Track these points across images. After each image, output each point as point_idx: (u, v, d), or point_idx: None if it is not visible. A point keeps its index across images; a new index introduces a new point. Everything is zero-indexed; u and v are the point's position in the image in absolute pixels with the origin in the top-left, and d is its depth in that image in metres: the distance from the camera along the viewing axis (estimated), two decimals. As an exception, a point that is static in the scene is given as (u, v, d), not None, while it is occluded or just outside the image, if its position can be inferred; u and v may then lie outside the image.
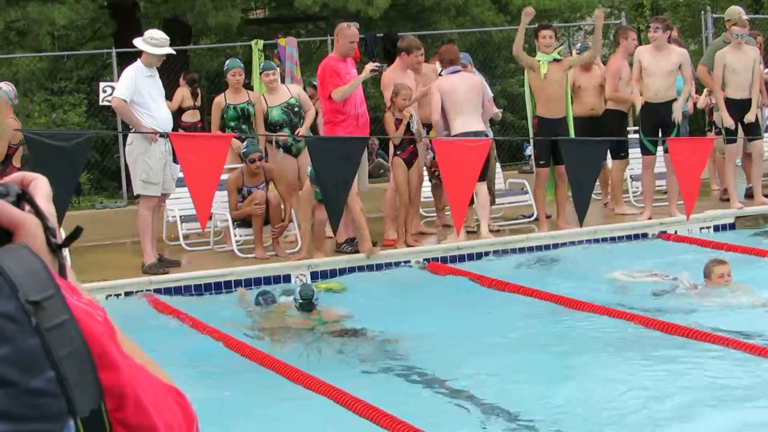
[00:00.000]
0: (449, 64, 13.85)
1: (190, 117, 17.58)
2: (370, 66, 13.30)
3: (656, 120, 14.28)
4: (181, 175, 12.87)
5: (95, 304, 1.66)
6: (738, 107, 14.75)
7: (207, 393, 8.26)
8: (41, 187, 1.75)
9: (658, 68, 14.24)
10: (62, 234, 1.74)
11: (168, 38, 12.96)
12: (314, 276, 12.80)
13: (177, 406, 1.77)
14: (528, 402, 8.06)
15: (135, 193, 13.05)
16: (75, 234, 1.74)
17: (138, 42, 12.79)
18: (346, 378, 8.78)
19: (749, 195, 15.42)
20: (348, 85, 13.04)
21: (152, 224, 12.90)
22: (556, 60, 14.10)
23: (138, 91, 12.50)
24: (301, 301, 10.69)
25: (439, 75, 13.95)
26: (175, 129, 16.74)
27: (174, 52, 13.40)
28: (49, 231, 1.67)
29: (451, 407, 8.14)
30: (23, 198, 1.69)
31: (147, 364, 1.75)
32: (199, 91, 18.00)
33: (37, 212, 1.68)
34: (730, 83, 14.76)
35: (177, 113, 17.77)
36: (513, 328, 10.38)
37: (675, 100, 14.29)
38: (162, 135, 12.54)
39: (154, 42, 12.70)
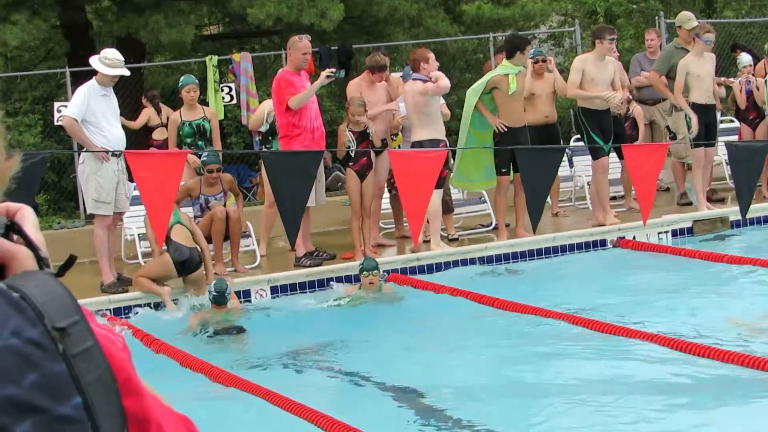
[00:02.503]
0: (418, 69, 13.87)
1: (160, 134, 17.51)
2: (326, 72, 13.31)
3: (602, 127, 14.42)
4: (136, 193, 12.83)
5: (114, 330, 1.65)
6: (704, 112, 14.88)
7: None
8: (28, 217, 1.73)
9: (602, 77, 14.43)
10: None
11: (122, 59, 12.90)
12: (274, 290, 12.82)
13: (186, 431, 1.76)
14: (483, 407, 8.16)
15: (87, 213, 12.99)
16: (69, 262, 1.75)
17: (93, 61, 12.73)
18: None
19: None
20: (305, 92, 13.05)
21: (109, 243, 12.85)
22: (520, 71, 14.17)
23: (90, 110, 12.43)
24: (214, 293, 11.42)
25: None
26: (146, 148, 16.81)
27: (128, 73, 13.33)
28: (42, 261, 1.65)
29: (398, 409, 8.26)
30: (11, 229, 1.67)
31: (156, 394, 1.75)
32: (161, 106, 17.95)
33: (28, 243, 1.65)
34: (695, 89, 14.87)
35: (145, 133, 17.74)
36: (471, 338, 10.47)
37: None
38: (114, 154, 12.50)
39: (107, 62, 12.64)
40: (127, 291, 12.57)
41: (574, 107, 16.52)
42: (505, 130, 13.89)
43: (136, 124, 17.54)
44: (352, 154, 13.45)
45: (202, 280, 12.25)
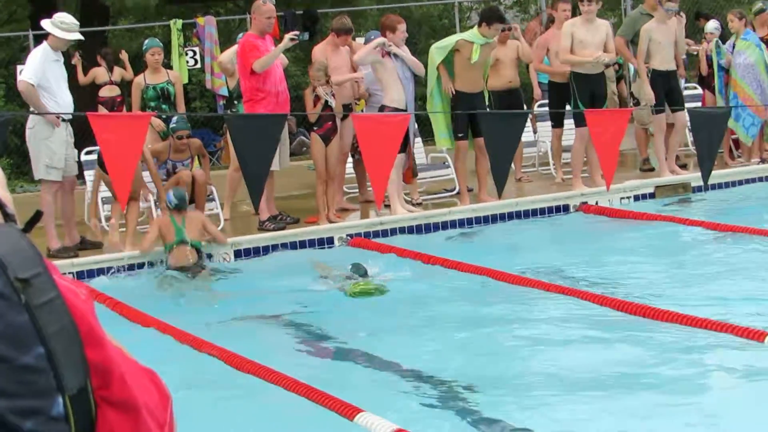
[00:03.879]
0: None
1: (108, 92, 17.42)
2: (290, 35, 13.29)
3: (593, 93, 14.43)
4: (92, 157, 12.80)
5: (78, 282, 1.71)
6: (664, 78, 14.93)
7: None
8: None
9: (592, 39, 14.43)
10: None
11: (78, 23, 12.75)
12: (237, 254, 12.83)
13: (152, 385, 1.79)
14: (453, 372, 8.15)
15: (36, 178, 12.80)
16: (36, 218, 1.81)
17: (46, 24, 12.48)
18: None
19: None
20: (269, 55, 13.03)
21: (64, 208, 12.76)
22: (487, 42, 14.16)
23: (44, 75, 12.23)
24: (176, 201, 11.91)
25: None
26: (93, 105, 16.66)
27: (83, 38, 13.22)
28: (9, 217, 1.72)
29: (370, 375, 8.27)
30: None
31: (119, 346, 1.77)
32: (115, 66, 17.81)
33: None
34: (656, 56, 14.89)
35: (93, 90, 17.61)
36: (434, 302, 10.45)
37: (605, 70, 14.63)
38: (64, 119, 12.36)
39: (63, 26, 12.43)
40: (77, 256, 12.49)
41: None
42: (454, 93, 13.95)
43: (85, 80, 17.41)
44: (333, 105, 13.43)
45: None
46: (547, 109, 16.04)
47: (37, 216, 1.82)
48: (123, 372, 1.69)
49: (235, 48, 14.09)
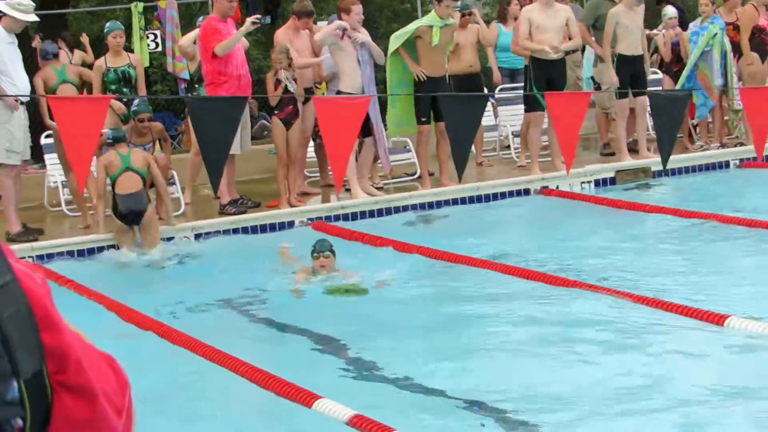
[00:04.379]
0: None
1: None
2: (251, 18, 13.29)
3: (548, 76, 14.48)
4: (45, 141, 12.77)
5: (34, 266, 1.67)
6: (630, 63, 15.02)
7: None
8: None
9: (551, 24, 14.47)
10: None
11: (34, 4, 12.68)
12: (198, 237, 12.82)
13: (110, 370, 1.77)
14: (414, 356, 8.22)
15: None
16: None
17: (2, 6, 12.37)
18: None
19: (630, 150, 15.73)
20: (230, 38, 13.03)
21: (15, 192, 12.69)
22: (446, 24, 14.20)
23: (1, 57, 12.19)
24: (113, 134, 12.19)
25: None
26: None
27: (38, 19, 13.16)
28: None
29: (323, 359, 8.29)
30: None
31: (77, 331, 1.75)
32: (75, 49, 17.69)
33: None
34: (623, 41, 14.98)
35: None
36: (395, 284, 10.45)
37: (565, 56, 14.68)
38: (22, 103, 12.32)
39: (21, 8, 12.37)
40: (36, 239, 12.48)
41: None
42: (425, 78, 13.97)
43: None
44: (293, 89, 13.43)
45: (153, 223, 12.25)
46: (508, 94, 16.09)
47: None
48: (80, 356, 1.67)
49: (196, 32, 14.07)
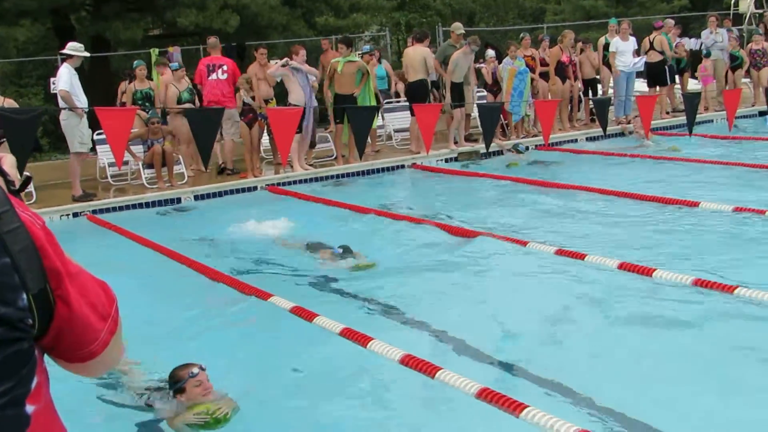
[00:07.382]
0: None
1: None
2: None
3: (416, 93, 14.46)
4: (102, 136, 12.62)
5: (36, 215, 1.60)
6: (458, 88, 15.06)
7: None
8: (7, 159, 1.72)
9: (414, 61, 14.56)
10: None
11: (83, 46, 12.54)
12: (197, 197, 12.73)
13: (100, 289, 1.68)
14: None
15: (72, 151, 12.38)
16: (26, 182, 1.71)
17: (68, 49, 12.18)
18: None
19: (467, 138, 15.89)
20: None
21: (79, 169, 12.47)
22: (350, 61, 14.14)
23: (71, 83, 12.01)
24: None
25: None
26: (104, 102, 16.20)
27: (89, 54, 13.02)
28: (10, 183, 1.66)
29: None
30: None
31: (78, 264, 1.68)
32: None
33: (1, 172, 1.67)
34: (456, 73, 14.98)
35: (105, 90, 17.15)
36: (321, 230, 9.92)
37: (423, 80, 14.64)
38: (85, 112, 12.16)
39: (80, 49, 12.27)
40: (93, 200, 12.26)
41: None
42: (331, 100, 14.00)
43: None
44: (251, 104, 13.29)
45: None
46: (392, 105, 16.12)
47: (28, 180, 1.72)
48: (71, 271, 1.60)
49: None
